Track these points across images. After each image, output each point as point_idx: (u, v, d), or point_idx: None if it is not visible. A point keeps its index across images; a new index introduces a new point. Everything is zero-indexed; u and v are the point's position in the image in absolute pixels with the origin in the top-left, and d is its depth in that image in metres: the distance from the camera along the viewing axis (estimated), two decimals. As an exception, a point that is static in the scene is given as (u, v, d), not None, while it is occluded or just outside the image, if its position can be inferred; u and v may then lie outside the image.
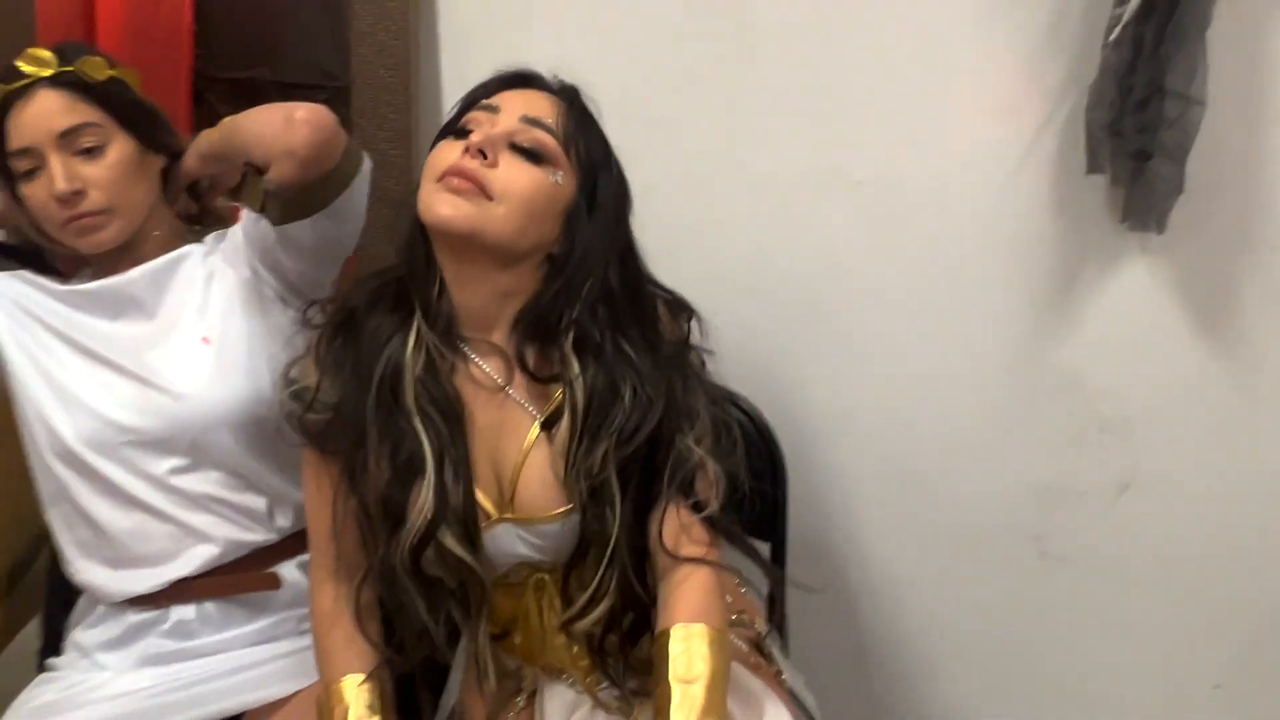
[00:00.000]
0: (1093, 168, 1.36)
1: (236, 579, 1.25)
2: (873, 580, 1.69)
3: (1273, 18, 1.30)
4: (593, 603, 1.07)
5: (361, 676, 1.10)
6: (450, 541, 1.04)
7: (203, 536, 1.23)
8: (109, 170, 1.20)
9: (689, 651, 1.00)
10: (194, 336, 1.23)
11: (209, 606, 1.25)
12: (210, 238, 1.30)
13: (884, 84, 1.46)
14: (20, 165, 1.19)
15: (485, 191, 1.00)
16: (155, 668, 1.23)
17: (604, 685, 1.15)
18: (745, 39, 1.49)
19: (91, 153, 1.20)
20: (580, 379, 1.05)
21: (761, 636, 1.22)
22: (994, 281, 1.50)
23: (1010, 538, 1.61)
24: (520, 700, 1.20)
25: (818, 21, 1.46)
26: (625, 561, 1.06)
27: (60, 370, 1.21)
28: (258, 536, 1.26)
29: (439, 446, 1.04)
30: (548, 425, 1.07)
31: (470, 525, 1.05)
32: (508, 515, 1.08)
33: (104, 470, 1.19)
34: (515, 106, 1.05)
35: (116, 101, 1.22)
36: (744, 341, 1.58)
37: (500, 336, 1.09)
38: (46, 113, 1.18)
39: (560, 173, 1.04)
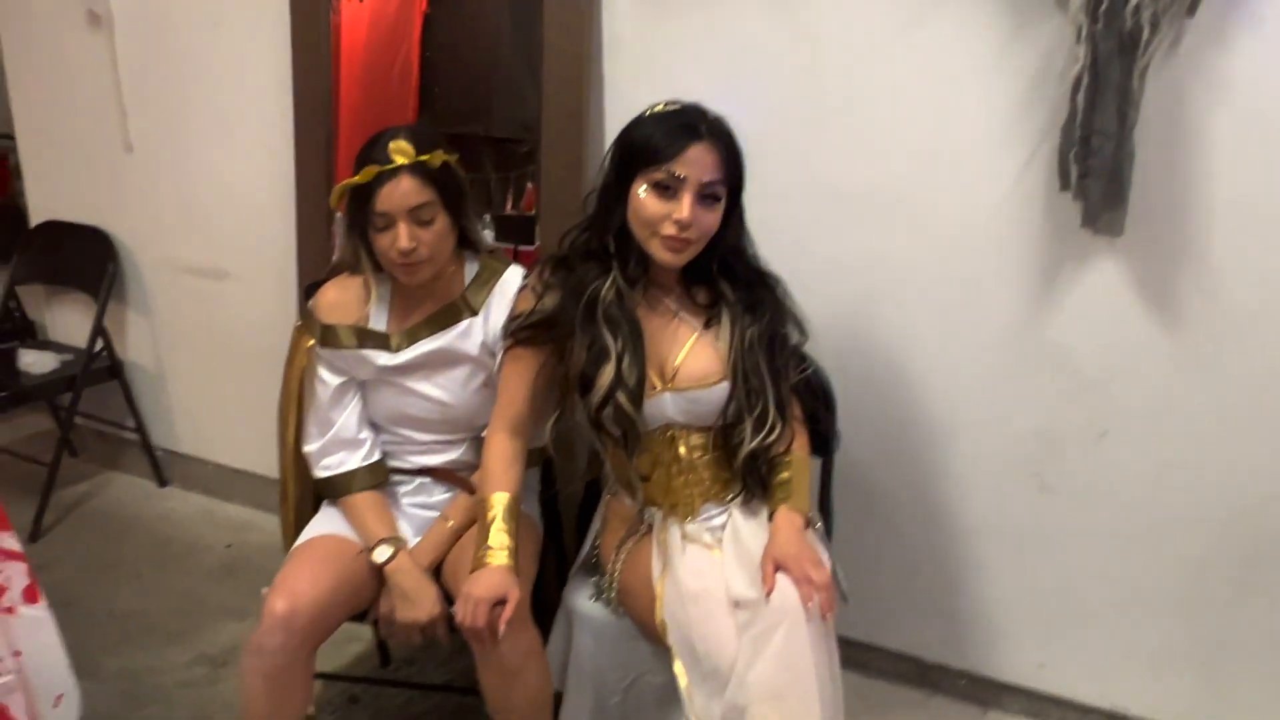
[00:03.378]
0: (1063, 186, 1.84)
1: (451, 474, 1.96)
2: (913, 503, 2.20)
3: (1196, 86, 1.76)
4: (771, 429, 1.69)
5: (508, 495, 1.71)
6: (623, 401, 1.65)
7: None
8: (434, 236, 1.74)
9: (795, 464, 1.74)
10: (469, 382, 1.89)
11: (437, 481, 1.97)
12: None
13: (915, 125, 1.99)
14: (378, 222, 1.72)
15: (689, 242, 1.64)
16: (405, 504, 1.95)
17: (708, 514, 1.75)
18: (816, 91, 2.06)
19: (425, 223, 1.73)
20: (733, 296, 1.72)
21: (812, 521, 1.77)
22: (997, 272, 1.99)
23: (1016, 472, 2.08)
24: (642, 529, 1.80)
25: (870, 77, 2.01)
26: (781, 402, 1.70)
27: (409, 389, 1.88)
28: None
29: (620, 344, 1.66)
30: (708, 327, 1.73)
31: (637, 393, 1.66)
32: (669, 387, 1.71)
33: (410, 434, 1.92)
34: (696, 173, 1.59)
35: (446, 187, 1.75)
36: (811, 315, 2.12)
37: (675, 281, 1.75)
38: (404, 193, 1.70)
39: (722, 198, 1.67)
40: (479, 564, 1.64)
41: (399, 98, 2.44)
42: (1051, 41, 1.84)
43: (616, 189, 1.67)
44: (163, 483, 3.29)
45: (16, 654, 1.69)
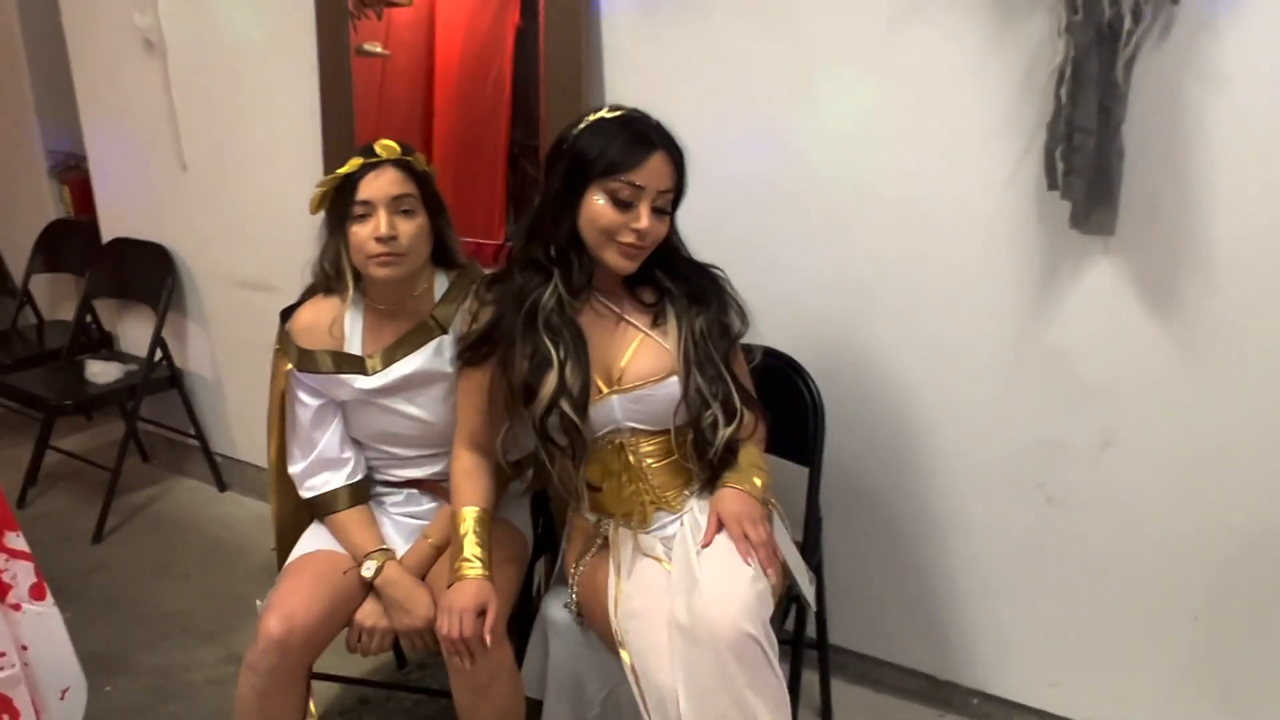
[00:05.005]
0: (1050, 185, 1.76)
1: (436, 486, 1.98)
2: (917, 518, 2.13)
3: (1188, 78, 1.66)
4: (741, 417, 1.69)
5: (477, 508, 1.73)
6: (567, 408, 1.64)
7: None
8: (414, 229, 1.79)
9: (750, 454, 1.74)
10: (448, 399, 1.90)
11: (424, 492, 2.00)
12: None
13: (910, 128, 1.94)
14: (358, 211, 1.77)
15: (644, 249, 1.65)
16: (394, 514, 1.99)
17: (661, 522, 1.73)
18: (808, 97, 2.02)
19: (406, 214, 1.78)
20: (677, 290, 1.72)
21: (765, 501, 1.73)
22: (995, 274, 1.92)
23: (1020, 485, 2.00)
24: (599, 541, 1.79)
25: (863, 75, 1.96)
26: (743, 389, 1.71)
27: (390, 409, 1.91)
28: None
29: (561, 352, 1.65)
30: (655, 326, 1.72)
31: (581, 400, 1.66)
32: (616, 389, 1.69)
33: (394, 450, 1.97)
34: (653, 182, 1.60)
35: (427, 188, 1.83)
36: (805, 320, 2.09)
37: (619, 285, 1.74)
38: (387, 181, 1.77)
39: (669, 206, 1.67)
40: (455, 577, 1.66)
41: (492, 111, 2.43)
42: (1041, 34, 1.77)
43: (567, 197, 1.65)
44: (222, 487, 3.43)
45: (24, 648, 1.78)
